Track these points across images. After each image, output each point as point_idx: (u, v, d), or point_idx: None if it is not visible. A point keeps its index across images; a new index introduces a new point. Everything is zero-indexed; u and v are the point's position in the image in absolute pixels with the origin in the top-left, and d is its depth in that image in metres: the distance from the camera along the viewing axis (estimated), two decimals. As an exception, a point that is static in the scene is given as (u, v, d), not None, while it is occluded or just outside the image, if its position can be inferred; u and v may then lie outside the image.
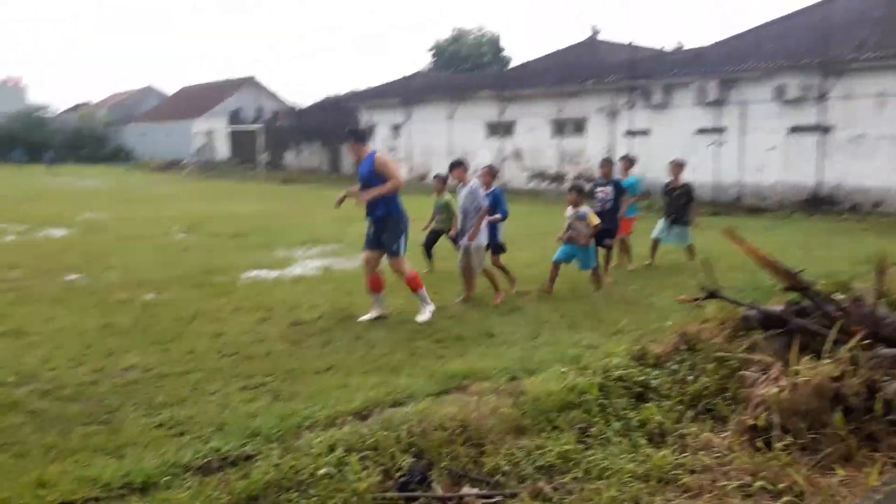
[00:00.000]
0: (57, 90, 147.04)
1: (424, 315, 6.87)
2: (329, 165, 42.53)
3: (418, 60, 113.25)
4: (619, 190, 9.35)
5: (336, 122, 41.79)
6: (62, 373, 5.16)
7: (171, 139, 57.47)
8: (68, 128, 65.56)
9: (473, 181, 7.81)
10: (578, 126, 26.99)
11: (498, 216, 8.13)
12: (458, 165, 7.99)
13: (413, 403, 4.41)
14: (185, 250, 11.58)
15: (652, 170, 16.53)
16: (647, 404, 4.34)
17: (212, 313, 7.10)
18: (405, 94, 35.85)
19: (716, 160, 20.43)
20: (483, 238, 7.71)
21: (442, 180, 9.61)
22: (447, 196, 9.53)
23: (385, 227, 6.77)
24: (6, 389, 4.78)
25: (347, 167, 40.82)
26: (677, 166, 10.54)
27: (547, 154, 27.95)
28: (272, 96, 62.19)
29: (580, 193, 8.39)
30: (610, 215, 9.04)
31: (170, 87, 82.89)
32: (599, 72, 26.11)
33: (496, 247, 8.34)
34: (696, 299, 5.50)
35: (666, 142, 20.80)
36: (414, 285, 6.97)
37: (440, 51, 54.19)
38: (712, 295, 5.32)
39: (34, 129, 60.98)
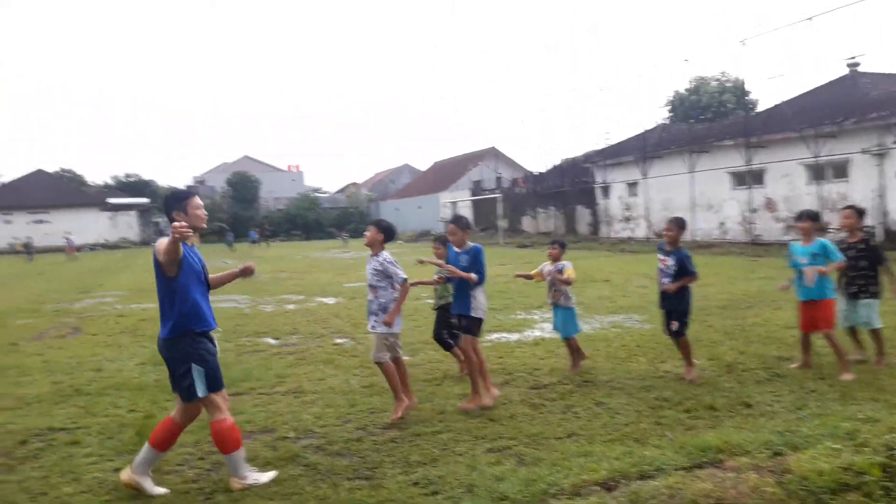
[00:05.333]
0: (329, 174, 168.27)
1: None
2: (565, 227, 42.85)
3: (653, 116, 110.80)
4: (682, 261, 6.88)
5: (571, 185, 42.24)
6: (332, 429, 5.74)
7: (422, 212, 62.11)
8: (338, 207, 74.08)
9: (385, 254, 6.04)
10: (839, 170, 24.38)
11: (473, 276, 6.13)
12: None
13: (662, 477, 4.21)
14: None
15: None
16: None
17: (458, 374, 7.45)
18: (642, 150, 35.17)
19: None
20: (397, 323, 5.99)
21: (443, 242, 7.19)
22: None
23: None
24: (288, 443, 5.42)
25: (583, 229, 40.82)
26: (853, 214, 7.24)
27: (804, 202, 25.53)
28: (511, 163, 64.75)
29: (563, 248, 7.63)
30: (669, 293, 6.86)
31: (423, 164, 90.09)
32: (861, 109, 23.51)
33: (469, 323, 6.24)
34: None
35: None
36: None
37: (679, 102, 52.60)
38: None
39: (309, 210, 69.72)
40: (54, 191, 63.13)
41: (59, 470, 4.96)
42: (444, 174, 67.89)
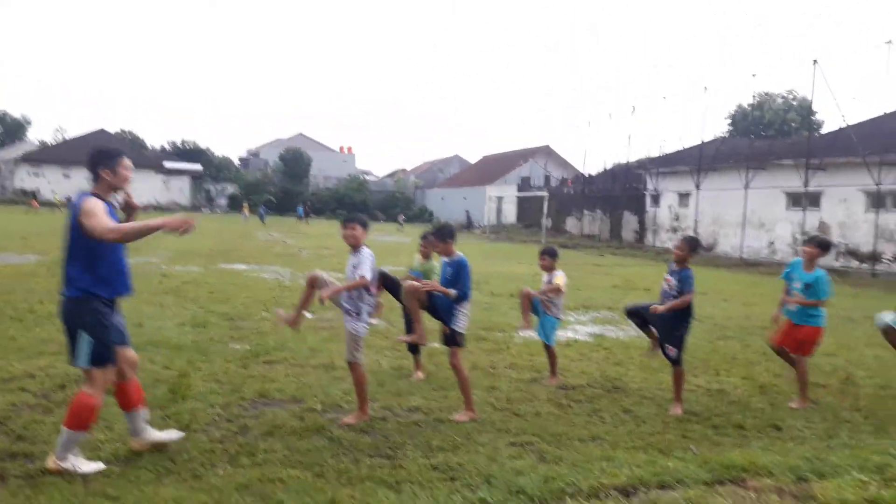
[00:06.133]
0: (379, 158, 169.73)
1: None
2: (610, 232, 42.40)
3: (714, 128, 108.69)
4: (683, 281, 6.28)
5: (622, 190, 41.75)
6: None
7: (467, 203, 62.12)
8: (385, 191, 74.64)
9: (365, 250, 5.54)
10: (901, 200, 23.57)
11: (452, 292, 5.75)
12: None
13: (682, 489, 4.18)
14: (469, 306, 12.37)
15: None
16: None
17: (487, 367, 7.49)
18: (697, 161, 34.52)
19: None
20: (361, 326, 5.54)
21: (430, 242, 6.83)
22: (433, 262, 7.20)
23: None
24: (315, 415, 5.53)
25: (628, 235, 40.33)
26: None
27: (861, 229, 24.78)
28: (563, 163, 64.28)
29: (553, 257, 7.34)
30: (667, 315, 6.25)
31: (473, 155, 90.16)
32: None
33: (451, 336, 5.86)
34: None
35: None
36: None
37: (741, 116, 51.48)
38: None
39: (357, 192, 70.49)
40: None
41: (95, 417, 5.15)
42: (494, 168, 67.76)
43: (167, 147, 75.67)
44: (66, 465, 4.17)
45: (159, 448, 4.54)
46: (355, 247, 5.52)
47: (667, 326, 6.28)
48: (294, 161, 70.72)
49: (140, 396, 4.63)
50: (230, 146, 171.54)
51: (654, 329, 6.52)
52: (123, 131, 77.06)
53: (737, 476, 4.47)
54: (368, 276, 5.41)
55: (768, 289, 17.82)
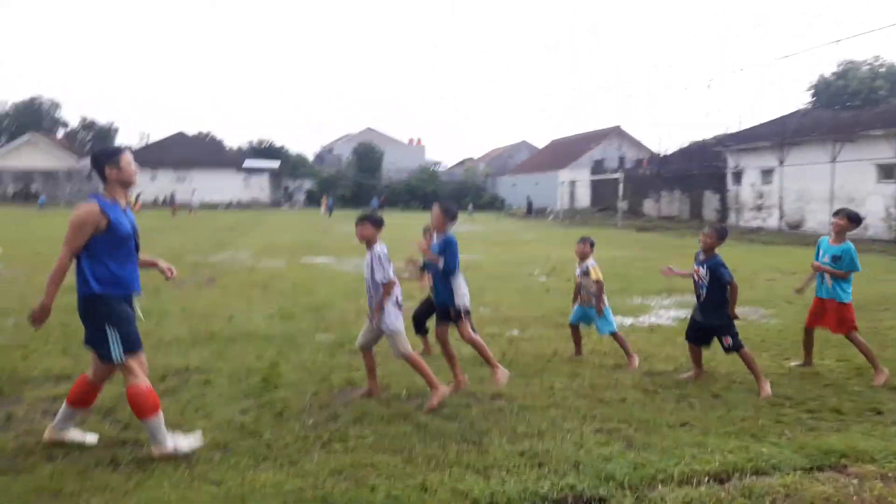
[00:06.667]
0: (448, 147, 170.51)
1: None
2: (689, 213, 41.18)
3: (795, 100, 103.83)
4: (714, 269, 6.25)
5: (700, 169, 40.46)
6: (442, 394, 5.90)
7: (539, 189, 61.60)
8: (455, 180, 74.81)
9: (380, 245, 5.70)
10: None
11: (438, 257, 5.93)
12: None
13: (778, 475, 4.06)
14: (547, 292, 12.32)
15: None
16: None
17: (570, 354, 7.44)
18: (779, 135, 33.08)
19: None
20: (393, 321, 5.70)
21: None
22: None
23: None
24: (400, 402, 5.65)
25: (710, 215, 39.07)
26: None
27: (962, 201, 23.18)
28: (636, 144, 62.86)
29: (592, 245, 7.35)
30: (707, 307, 6.33)
31: (541, 141, 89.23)
32: None
33: (456, 313, 6.01)
34: None
35: None
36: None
37: (824, 87, 48.98)
38: None
39: (428, 183, 71.00)
40: (195, 151, 67.64)
41: (193, 406, 5.42)
42: (564, 152, 66.81)
43: (245, 147, 78.08)
44: (168, 449, 4.31)
45: (58, 445, 4.49)
46: (369, 244, 5.68)
47: (716, 319, 6.28)
48: (367, 155, 71.78)
49: (92, 402, 4.68)
50: (304, 144, 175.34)
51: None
52: (202, 133, 79.95)
53: (836, 462, 4.31)
54: (393, 276, 5.64)
55: (861, 267, 16.94)
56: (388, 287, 5.60)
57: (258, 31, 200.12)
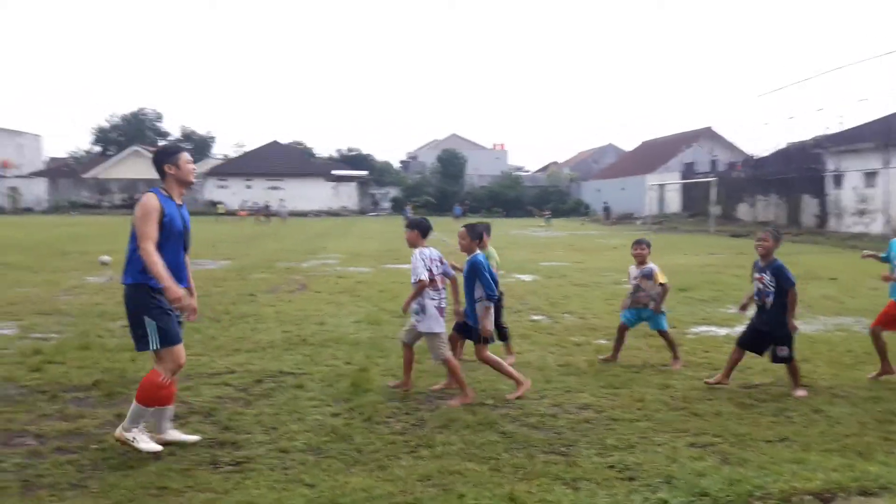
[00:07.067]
0: (533, 152, 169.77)
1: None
2: (787, 218, 39.35)
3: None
4: (781, 275, 6.13)
5: (797, 172, 38.61)
6: (528, 402, 5.87)
7: (625, 193, 60.29)
8: (538, 185, 74.29)
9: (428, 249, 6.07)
10: None
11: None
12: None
13: (888, 496, 3.83)
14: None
15: None
16: None
17: (660, 364, 7.26)
18: (884, 136, 31.16)
19: None
20: (430, 323, 5.95)
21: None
22: (490, 249, 6.99)
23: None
24: (486, 410, 5.65)
25: (808, 220, 37.23)
26: None
27: None
28: (729, 146, 60.61)
29: (650, 247, 7.39)
30: (773, 314, 6.19)
31: (628, 144, 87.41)
32: None
33: (476, 334, 6.06)
34: None
35: None
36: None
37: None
38: None
39: (511, 188, 70.81)
40: (287, 161, 70.03)
41: (287, 409, 5.60)
42: (653, 155, 65.07)
43: (335, 155, 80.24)
44: (129, 436, 4.44)
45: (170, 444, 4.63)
46: (412, 247, 6.09)
47: (780, 328, 6.17)
48: (450, 161, 72.30)
49: (173, 397, 4.73)
50: (390, 152, 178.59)
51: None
52: (295, 142, 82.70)
53: (956, 485, 4.02)
54: (424, 276, 5.88)
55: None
56: (419, 286, 5.91)
57: (351, 39, 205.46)
